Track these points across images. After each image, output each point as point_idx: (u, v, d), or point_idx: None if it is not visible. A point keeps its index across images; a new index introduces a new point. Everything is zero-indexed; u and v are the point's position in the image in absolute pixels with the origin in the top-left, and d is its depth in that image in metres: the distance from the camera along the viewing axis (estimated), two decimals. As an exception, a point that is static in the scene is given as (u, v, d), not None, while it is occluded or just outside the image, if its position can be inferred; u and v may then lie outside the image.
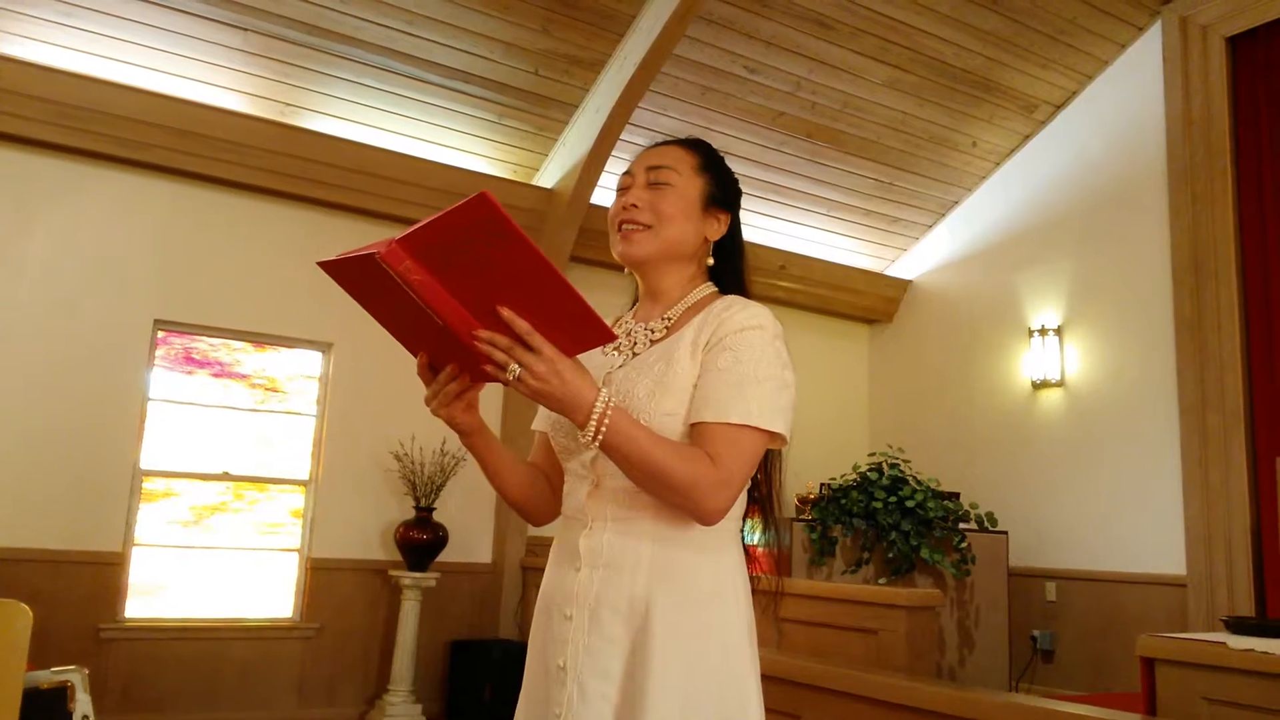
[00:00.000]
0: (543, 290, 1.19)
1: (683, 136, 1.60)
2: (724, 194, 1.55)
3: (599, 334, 1.24)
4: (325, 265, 1.27)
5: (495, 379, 1.27)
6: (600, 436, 1.27)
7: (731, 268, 1.56)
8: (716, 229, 1.54)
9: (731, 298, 1.48)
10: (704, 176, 1.53)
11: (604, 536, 1.40)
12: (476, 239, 1.15)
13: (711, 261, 1.54)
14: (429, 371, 1.37)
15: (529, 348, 1.22)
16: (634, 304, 1.62)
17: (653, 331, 1.50)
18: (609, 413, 1.27)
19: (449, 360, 1.34)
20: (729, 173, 1.58)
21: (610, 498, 1.41)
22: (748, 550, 1.50)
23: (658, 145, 1.57)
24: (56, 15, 4.35)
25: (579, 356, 1.30)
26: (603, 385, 1.37)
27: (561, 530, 1.49)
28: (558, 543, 1.49)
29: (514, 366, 1.23)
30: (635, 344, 1.50)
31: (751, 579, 1.49)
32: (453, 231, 1.16)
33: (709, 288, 1.54)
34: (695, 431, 1.36)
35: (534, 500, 1.57)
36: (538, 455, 1.62)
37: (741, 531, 1.49)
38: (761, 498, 1.54)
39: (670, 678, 1.31)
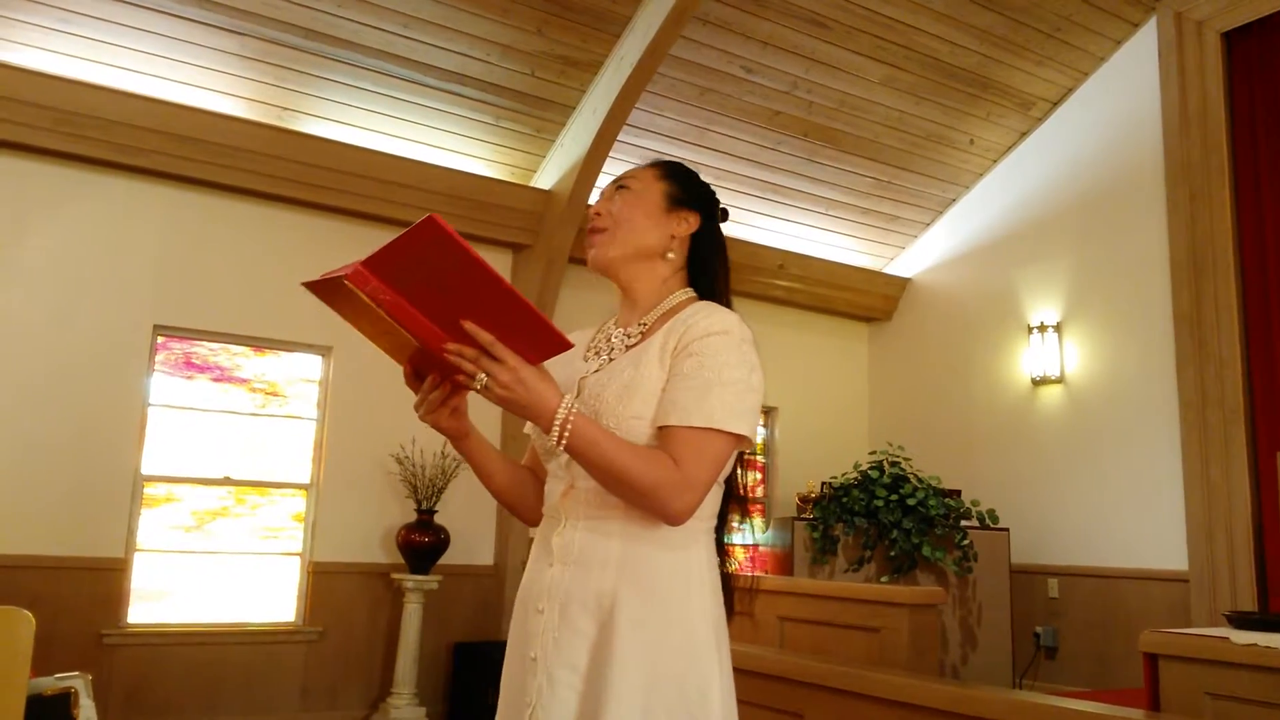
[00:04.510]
0: (500, 305, 1.25)
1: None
2: (688, 195, 1.61)
3: (556, 343, 1.30)
4: (309, 285, 1.34)
5: (468, 387, 1.33)
6: (564, 440, 1.32)
7: (707, 273, 1.61)
8: (685, 227, 1.59)
9: (702, 303, 1.52)
10: (665, 181, 1.60)
11: (576, 534, 1.45)
12: (433, 260, 1.22)
13: (673, 257, 1.58)
14: (415, 381, 1.43)
15: (494, 358, 1.28)
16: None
17: (628, 337, 1.55)
18: (572, 418, 1.32)
19: (431, 370, 1.40)
20: (694, 178, 1.64)
21: (583, 498, 1.45)
22: (726, 549, 1.55)
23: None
24: (53, 22, 4.35)
25: (555, 362, 1.36)
26: (577, 391, 1.46)
27: (540, 528, 1.55)
28: (536, 540, 1.55)
29: (481, 376, 1.29)
30: (612, 350, 1.55)
31: (728, 576, 1.54)
32: (409, 253, 1.22)
33: (686, 293, 1.58)
34: (661, 435, 1.40)
35: (523, 500, 1.63)
36: (530, 458, 1.67)
37: (719, 530, 1.53)
38: (737, 497, 1.58)
39: (632, 670, 1.35)
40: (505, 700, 1.49)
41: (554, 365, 1.37)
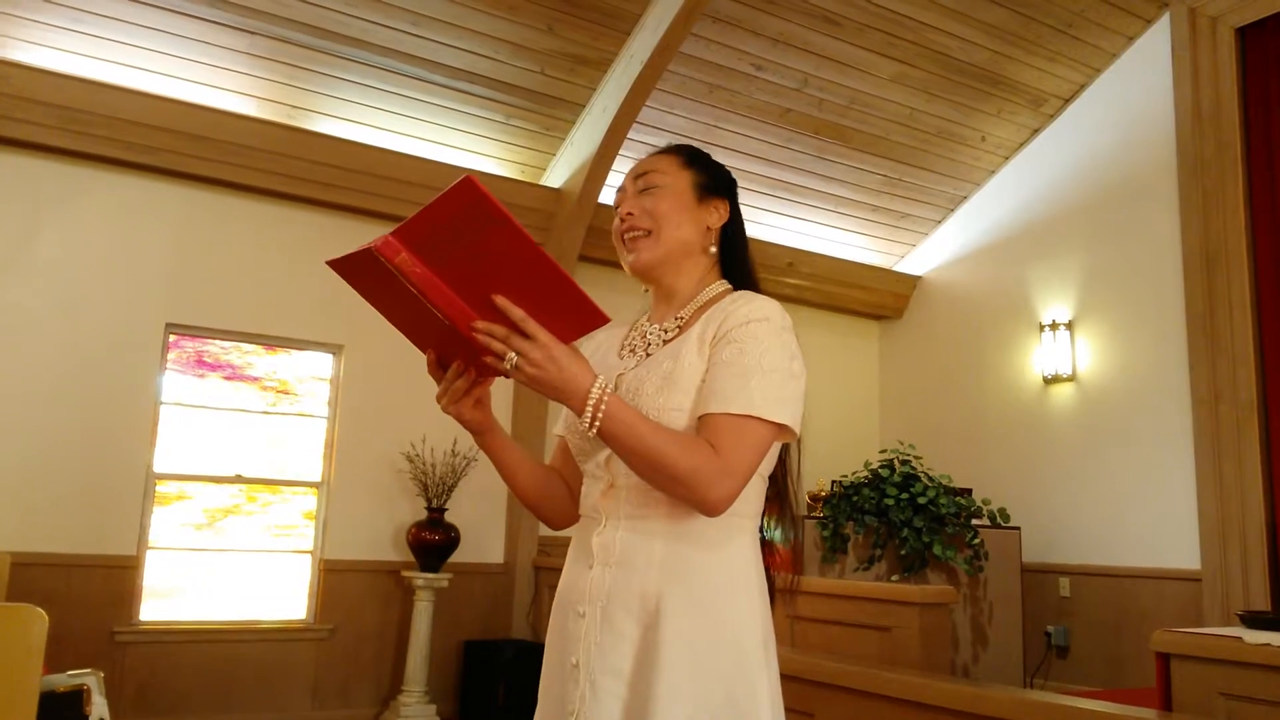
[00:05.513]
0: (535, 276, 1.19)
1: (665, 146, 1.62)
2: (715, 182, 1.56)
3: (592, 317, 1.24)
4: (332, 264, 1.29)
5: (496, 369, 1.28)
6: (598, 423, 1.26)
7: (737, 260, 1.56)
8: (717, 217, 1.55)
9: (740, 292, 1.48)
10: (690, 170, 1.55)
11: (617, 534, 1.40)
12: (467, 226, 1.16)
13: (714, 250, 1.54)
14: (439, 369, 1.38)
15: (525, 335, 1.23)
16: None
17: (665, 332, 1.50)
18: (605, 399, 1.26)
19: (456, 356, 1.35)
20: (716, 163, 1.60)
21: (624, 496, 1.40)
22: (766, 548, 1.49)
23: (643, 159, 1.60)
24: (64, 21, 4.37)
25: (588, 355, 1.31)
26: (614, 387, 1.37)
27: (578, 529, 1.50)
28: (574, 541, 1.49)
29: (511, 355, 1.23)
30: (649, 345, 1.50)
31: (769, 576, 1.48)
32: (443, 219, 1.16)
33: (721, 285, 1.54)
34: (701, 424, 1.35)
35: (549, 502, 1.58)
36: (558, 460, 1.62)
37: (760, 529, 1.48)
38: (779, 494, 1.52)
39: (679, 674, 1.30)
40: (544, 708, 1.44)
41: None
